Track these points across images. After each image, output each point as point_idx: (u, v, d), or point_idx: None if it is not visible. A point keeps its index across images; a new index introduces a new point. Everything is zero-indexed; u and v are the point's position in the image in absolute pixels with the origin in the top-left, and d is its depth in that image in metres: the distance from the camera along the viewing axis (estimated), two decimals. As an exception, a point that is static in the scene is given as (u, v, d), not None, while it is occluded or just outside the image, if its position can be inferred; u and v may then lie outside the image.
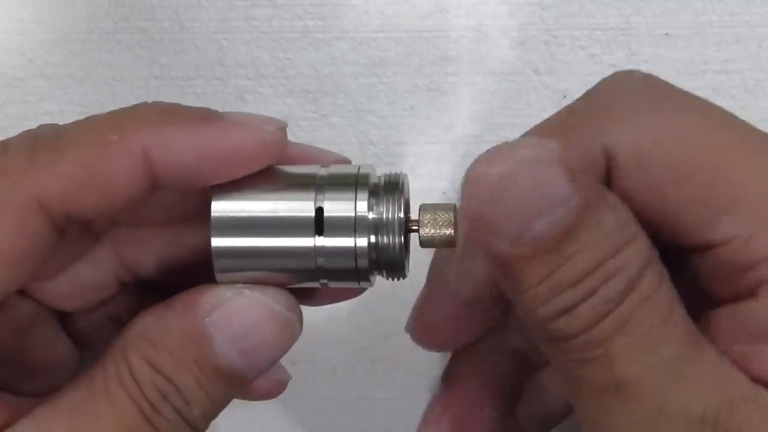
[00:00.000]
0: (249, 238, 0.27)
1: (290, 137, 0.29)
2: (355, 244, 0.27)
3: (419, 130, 0.40)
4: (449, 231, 0.28)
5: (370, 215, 0.27)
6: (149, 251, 0.32)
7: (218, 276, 0.28)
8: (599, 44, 0.40)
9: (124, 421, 0.26)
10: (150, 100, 0.28)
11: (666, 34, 0.40)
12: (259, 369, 0.27)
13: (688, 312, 0.25)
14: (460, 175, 0.40)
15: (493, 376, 0.34)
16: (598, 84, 0.30)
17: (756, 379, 0.25)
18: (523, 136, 0.30)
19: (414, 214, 0.29)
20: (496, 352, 0.34)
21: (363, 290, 0.30)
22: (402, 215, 0.28)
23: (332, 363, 0.41)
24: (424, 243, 0.28)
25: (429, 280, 0.33)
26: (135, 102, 0.28)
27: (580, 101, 0.30)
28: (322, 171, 0.28)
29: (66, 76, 0.40)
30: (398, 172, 0.28)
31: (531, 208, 0.23)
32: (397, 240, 0.27)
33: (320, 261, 0.27)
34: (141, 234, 0.31)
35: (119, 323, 0.30)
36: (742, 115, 0.28)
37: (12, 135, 0.27)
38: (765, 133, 0.28)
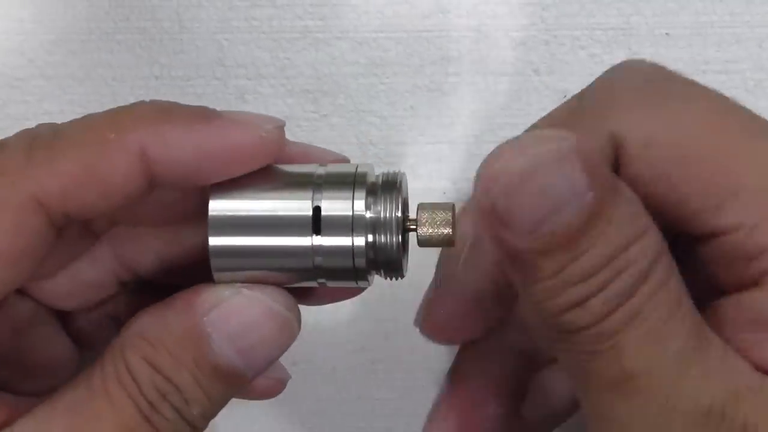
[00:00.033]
0: (246, 237, 0.27)
1: (290, 137, 0.29)
2: (353, 244, 0.27)
3: (419, 130, 0.40)
4: (447, 230, 0.28)
5: (368, 214, 0.27)
6: (148, 250, 0.32)
7: (216, 275, 0.28)
8: (599, 44, 0.40)
9: (123, 421, 0.26)
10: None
11: (666, 34, 0.40)
12: (257, 368, 0.27)
13: (693, 302, 0.25)
14: (460, 175, 0.40)
15: (499, 375, 0.34)
16: (606, 73, 0.30)
17: (760, 369, 0.25)
18: (534, 125, 0.30)
19: (412, 214, 0.28)
20: (501, 352, 0.34)
21: (361, 290, 0.30)
22: (400, 214, 0.28)
23: (332, 363, 0.41)
24: (422, 242, 0.28)
25: (437, 274, 0.33)
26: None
27: (588, 90, 0.30)
28: (320, 170, 0.28)
29: (66, 76, 0.40)
30: (396, 171, 0.28)
31: (548, 203, 0.23)
32: (394, 239, 0.27)
33: (318, 260, 0.27)
34: (140, 233, 0.31)
35: (118, 322, 0.30)
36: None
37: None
38: None
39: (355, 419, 0.41)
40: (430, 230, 0.28)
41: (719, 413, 0.24)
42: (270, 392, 0.32)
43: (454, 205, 0.28)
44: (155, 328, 0.27)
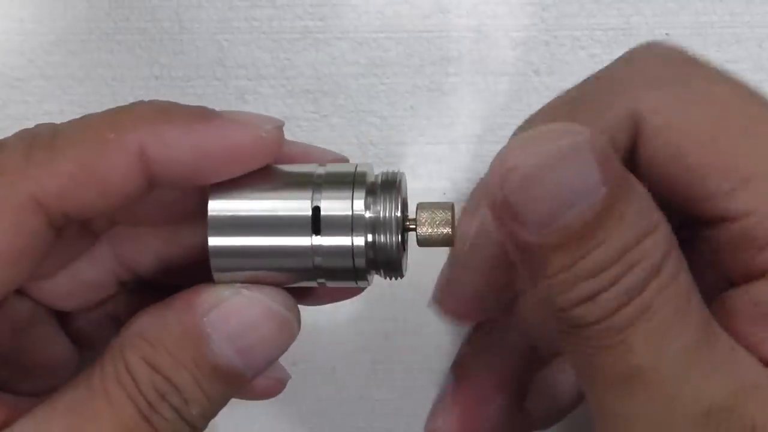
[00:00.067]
0: (246, 238, 0.27)
1: (290, 137, 0.29)
2: (352, 243, 0.27)
3: (419, 130, 0.40)
4: (447, 230, 0.28)
5: (367, 214, 0.27)
6: (148, 250, 0.32)
7: (216, 275, 0.28)
8: (600, 44, 0.40)
9: (122, 421, 0.26)
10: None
11: (666, 34, 0.40)
12: (256, 368, 0.27)
13: (700, 294, 0.25)
14: (460, 175, 0.40)
15: (503, 371, 0.34)
16: (628, 52, 0.30)
17: (767, 363, 0.26)
18: (558, 98, 0.30)
19: (412, 213, 0.28)
20: (505, 347, 0.34)
21: (361, 290, 0.30)
22: (399, 214, 0.28)
23: (332, 363, 0.41)
24: (422, 242, 0.28)
25: (451, 257, 0.32)
26: (135, 102, 0.28)
27: (607, 69, 0.30)
28: (320, 170, 0.28)
29: (66, 76, 0.40)
30: (395, 171, 0.28)
31: (562, 197, 0.23)
32: (394, 239, 0.27)
33: (317, 260, 0.27)
34: (139, 233, 0.31)
35: (118, 322, 0.30)
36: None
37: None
38: None
39: (355, 419, 0.41)
40: (430, 230, 0.28)
41: (726, 411, 0.24)
42: (270, 392, 0.32)
43: (453, 205, 0.28)
44: (155, 328, 0.27)
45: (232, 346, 0.27)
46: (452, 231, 0.28)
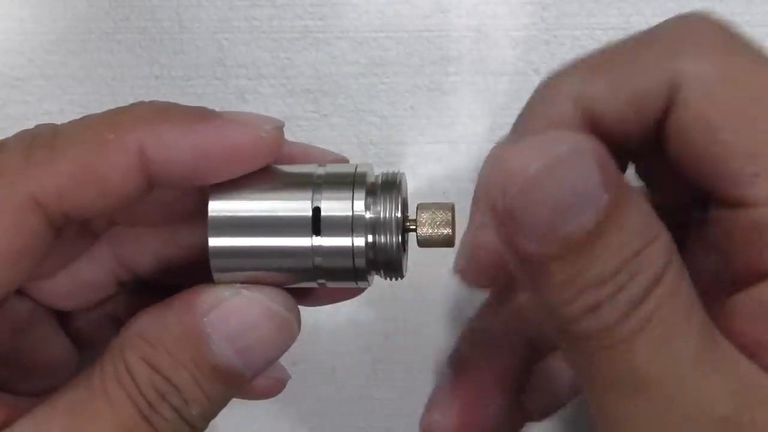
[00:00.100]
0: (246, 238, 0.27)
1: (290, 137, 0.29)
2: (353, 244, 0.27)
3: (420, 130, 0.40)
4: (447, 230, 0.28)
5: (367, 214, 0.27)
6: (147, 250, 0.32)
7: (216, 276, 0.28)
8: (600, 44, 0.39)
9: (122, 421, 0.26)
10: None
11: (667, 33, 0.40)
12: (256, 368, 0.27)
13: (703, 293, 0.25)
14: (460, 175, 0.40)
15: (502, 363, 0.34)
16: (667, 20, 0.29)
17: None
18: (598, 50, 0.30)
19: (412, 214, 0.28)
20: (504, 340, 0.34)
21: (361, 290, 0.30)
22: (399, 214, 0.28)
23: (332, 363, 0.41)
24: (422, 243, 0.28)
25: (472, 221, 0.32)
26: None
27: (646, 33, 0.29)
28: (320, 170, 0.28)
29: (66, 76, 0.40)
30: (396, 171, 0.28)
31: (563, 207, 0.23)
32: (394, 239, 0.27)
33: (318, 260, 0.27)
34: (139, 233, 0.31)
35: (118, 323, 0.30)
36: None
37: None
38: None
39: (355, 419, 0.41)
40: (430, 230, 0.28)
41: (729, 421, 0.24)
42: (270, 392, 0.32)
43: (454, 205, 0.28)
44: (154, 329, 0.27)
45: (232, 346, 0.27)
46: (453, 231, 0.28)
